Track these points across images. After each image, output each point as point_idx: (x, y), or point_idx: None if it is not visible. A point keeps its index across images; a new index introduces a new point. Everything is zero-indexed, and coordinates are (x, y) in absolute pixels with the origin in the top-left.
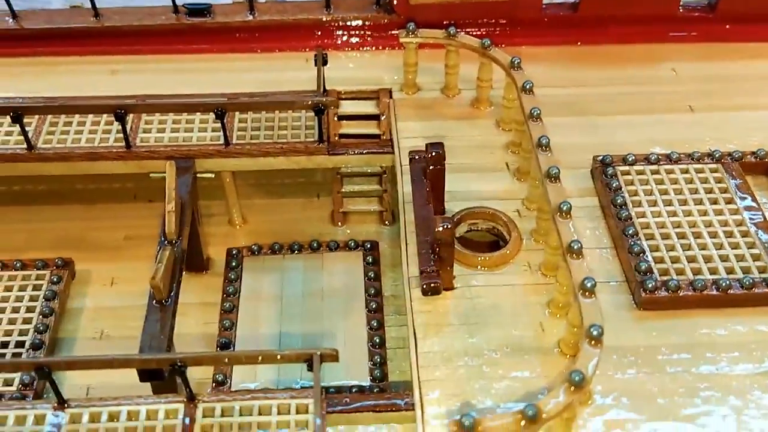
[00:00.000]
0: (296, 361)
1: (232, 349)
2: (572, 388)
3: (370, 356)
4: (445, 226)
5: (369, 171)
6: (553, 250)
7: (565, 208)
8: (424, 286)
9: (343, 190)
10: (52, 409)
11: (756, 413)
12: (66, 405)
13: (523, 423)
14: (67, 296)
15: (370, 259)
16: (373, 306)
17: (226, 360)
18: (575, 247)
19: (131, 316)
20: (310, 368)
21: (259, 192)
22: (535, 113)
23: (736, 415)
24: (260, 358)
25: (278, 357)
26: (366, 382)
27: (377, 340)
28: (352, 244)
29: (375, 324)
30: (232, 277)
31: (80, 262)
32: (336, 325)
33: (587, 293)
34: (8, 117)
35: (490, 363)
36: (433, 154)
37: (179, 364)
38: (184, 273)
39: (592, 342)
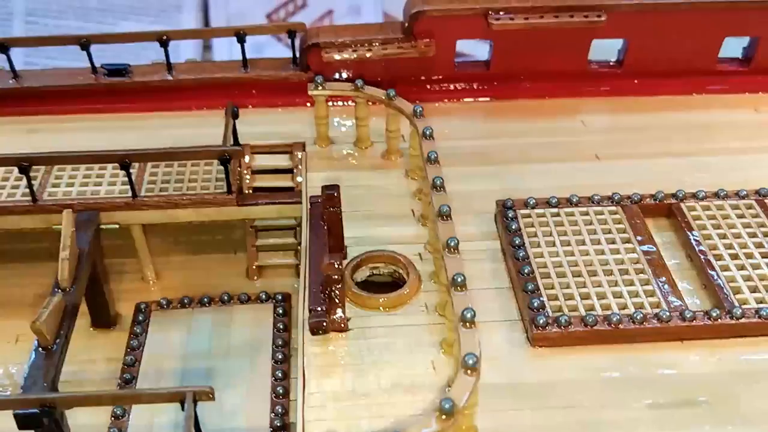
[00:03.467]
0: (170, 401)
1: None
2: (443, 417)
3: (272, 407)
4: (332, 263)
5: (283, 225)
6: (445, 287)
7: (452, 244)
8: (312, 323)
9: (257, 243)
10: None
11: None
12: None
13: None
14: None
15: (281, 311)
16: (279, 357)
17: (98, 400)
18: (458, 280)
19: None
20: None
21: (177, 249)
22: (432, 156)
23: None
24: (132, 397)
25: (149, 397)
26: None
27: (280, 391)
28: (263, 296)
29: (280, 374)
30: (138, 331)
31: None
32: (240, 376)
33: (467, 324)
34: None
35: (379, 402)
36: (327, 195)
37: (48, 405)
38: (92, 329)
39: (468, 371)
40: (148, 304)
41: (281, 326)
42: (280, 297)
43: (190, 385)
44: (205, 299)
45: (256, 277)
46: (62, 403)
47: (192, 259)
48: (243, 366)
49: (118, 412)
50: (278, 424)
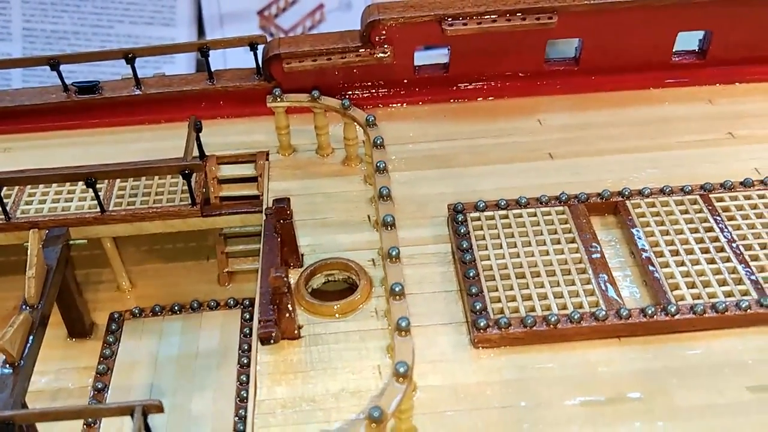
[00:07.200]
0: (120, 414)
1: None
2: (372, 425)
3: (235, 410)
4: (278, 275)
5: (251, 231)
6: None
7: (393, 253)
8: (261, 333)
9: (226, 250)
10: None
11: None
12: None
13: None
14: None
15: (248, 316)
16: (245, 361)
17: (55, 415)
18: (396, 289)
19: None
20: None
21: (151, 257)
22: (380, 166)
23: None
24: (86, 411)
25: (101, 411)
26: None
27: (244, 395)
28: (231, 302)
29: (244, 378)
30: (111, 340)
31: None
32: (207, 381)
33: (402, 332)
34: None
35: (326, 408)
36: (277, 209)
37: (7, 422)
38: (69, 339)
39: (399, 379)
40: (122, 313)
41: (248, 331)
42: (247, 302)
43: (153, 395)
44: (176, 306)
45: (227, 283)
46: (20, 419)
47: (166, 267)
48: (210, 371)
49: (90, 420)
50: (241, 428)
